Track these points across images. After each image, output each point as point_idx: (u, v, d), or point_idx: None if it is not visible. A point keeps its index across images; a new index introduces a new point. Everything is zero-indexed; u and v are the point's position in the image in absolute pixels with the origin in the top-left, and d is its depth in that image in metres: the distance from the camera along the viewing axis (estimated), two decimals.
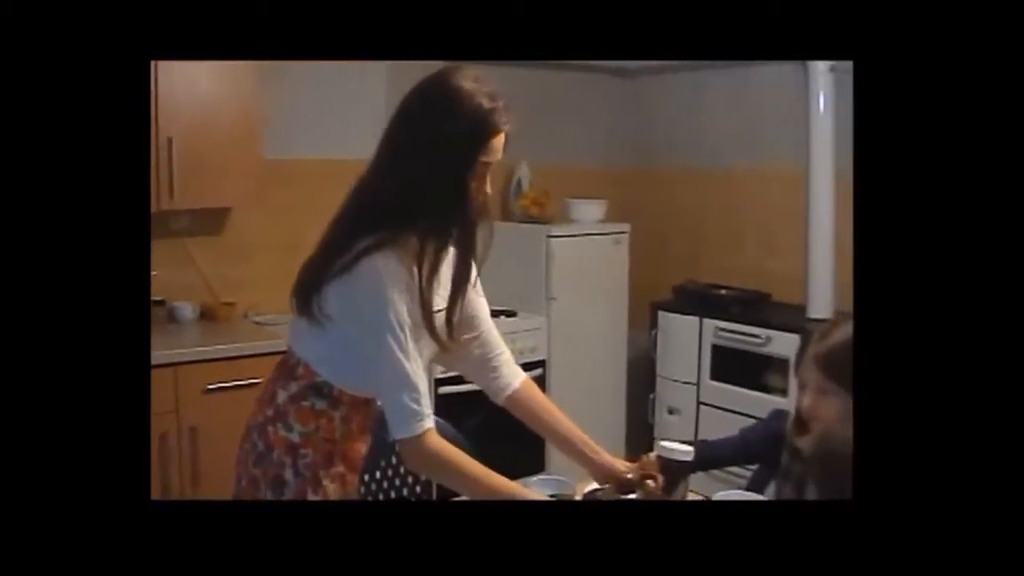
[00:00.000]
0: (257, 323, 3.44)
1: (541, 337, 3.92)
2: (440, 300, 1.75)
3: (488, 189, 1.74)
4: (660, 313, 4.10)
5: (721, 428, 3.64)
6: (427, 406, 1.66)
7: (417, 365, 1.67)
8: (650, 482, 1.87)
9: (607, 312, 4.21)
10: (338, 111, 3.70)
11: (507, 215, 4.22)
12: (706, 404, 3.92)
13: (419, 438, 1.65)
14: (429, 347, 1.77)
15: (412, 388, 1.65)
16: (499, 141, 1.70)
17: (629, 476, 1.89)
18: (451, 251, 1.74)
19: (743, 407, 3.58)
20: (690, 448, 1.91)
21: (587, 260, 4.08)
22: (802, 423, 2.07)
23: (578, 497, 1.90)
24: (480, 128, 1.67)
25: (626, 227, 4.20)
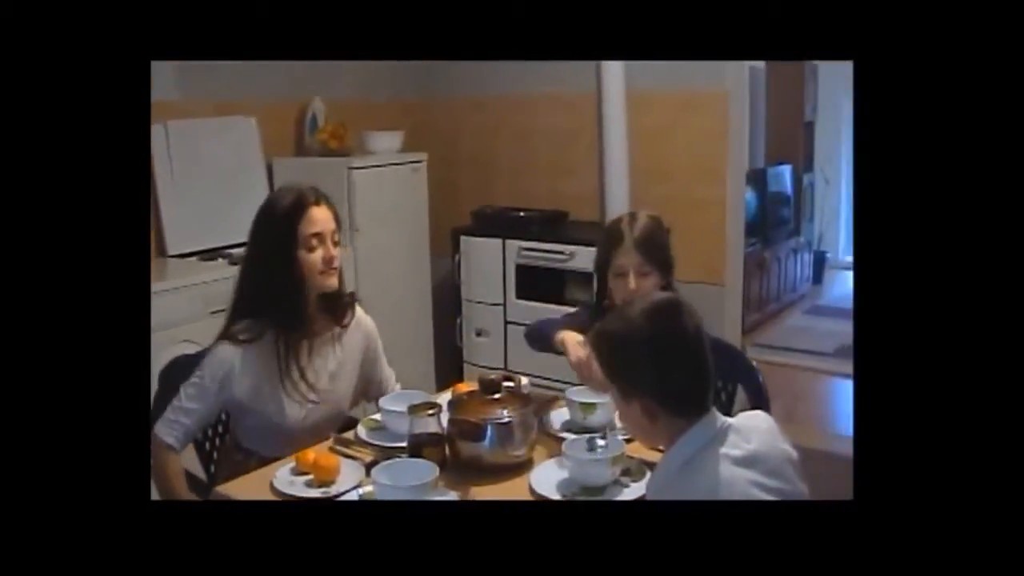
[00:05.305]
0: None
1: (347, 268, 3.90)
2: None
3: (334, 254, 2.16)
4: (462, 238, 4.21)
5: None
6: (179, 431, 2.04)
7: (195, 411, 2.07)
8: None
9: (410, 240, 4.27)
10: None
11: (305, 151, 4.16)
12: (513, 323, 4.07)
13: (159, 442, 2.02)
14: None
15: (179, 415, 2.05)
16: (319, 212, 2.12)
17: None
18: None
19: None
20: None
21: (387, 190, 4.11)
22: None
23: (445, 410, 1.97)
24: (297, 202, 2.09)
25: (423, 156, 4.26)
